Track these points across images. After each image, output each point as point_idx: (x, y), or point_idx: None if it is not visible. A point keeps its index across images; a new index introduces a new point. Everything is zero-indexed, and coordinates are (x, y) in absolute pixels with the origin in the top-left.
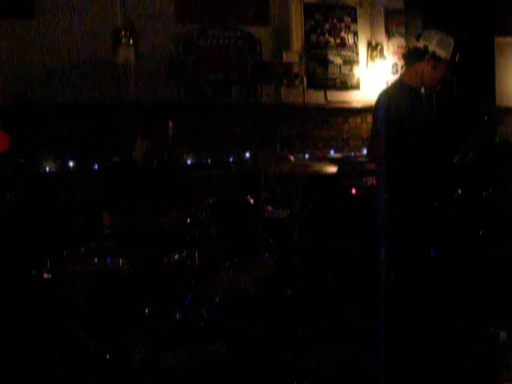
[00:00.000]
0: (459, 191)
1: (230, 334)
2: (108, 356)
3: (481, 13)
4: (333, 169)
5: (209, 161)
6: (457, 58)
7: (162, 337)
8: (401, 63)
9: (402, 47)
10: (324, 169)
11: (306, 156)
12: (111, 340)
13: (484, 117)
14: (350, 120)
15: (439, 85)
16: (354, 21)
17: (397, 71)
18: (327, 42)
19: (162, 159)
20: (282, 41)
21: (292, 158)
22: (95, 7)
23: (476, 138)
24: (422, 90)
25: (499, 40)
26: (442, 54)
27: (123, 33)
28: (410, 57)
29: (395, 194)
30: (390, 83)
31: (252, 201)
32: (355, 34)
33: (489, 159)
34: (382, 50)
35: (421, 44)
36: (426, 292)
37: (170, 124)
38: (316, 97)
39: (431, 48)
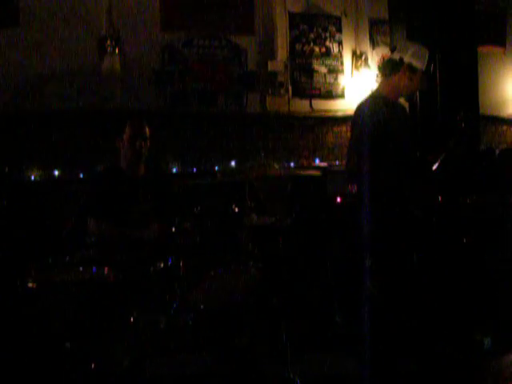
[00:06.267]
0: (440, 198)
1: (216, 343)
2: (93, 365)
3: (464, 22)
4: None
5: (194, 169)
6: (431, 68)
7: (147, 346)
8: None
9: (386, 56)
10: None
11: (291, 164)
12: (97, 349)
13: (461, 124)
14: (335, 129)
15: (415, 95)
16: (339, 30)
17: None
18: (312, 51)
19: (148, 167)
20: (267, 50)
21: (277, 166)
22: (80, 16)
23: (453, 144)
24: (401, 99)
25: (482, 49)
26: (418, 65)
27: (109, 41)
28: (386, 69)
29: (375, 204)
30: (367, 95)
31: (237, 209)
32: (340, 44)
33: (473, 167)
34: (366, 59)
35: (396, 56)
36: (412, 300)
37: (156, 133)
38: (301, 106)
39: (407, 59)
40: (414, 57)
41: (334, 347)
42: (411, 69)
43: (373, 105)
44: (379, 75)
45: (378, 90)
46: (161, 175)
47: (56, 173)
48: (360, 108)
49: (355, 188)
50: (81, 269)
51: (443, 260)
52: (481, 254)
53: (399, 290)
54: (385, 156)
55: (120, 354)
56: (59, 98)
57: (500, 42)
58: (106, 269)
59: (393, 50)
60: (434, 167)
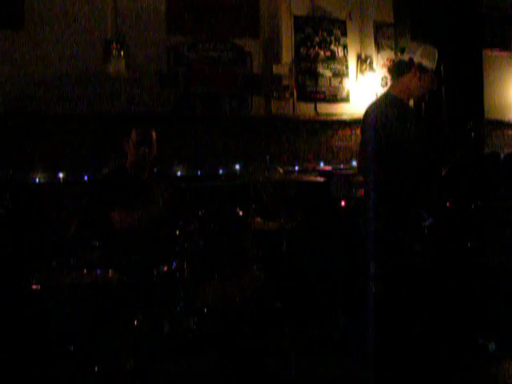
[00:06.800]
0: (447, 203)
1: (220, 346)
2: (97, 367)
3: (469, 26)
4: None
5: (198, 172)
6: (441, 69)
7: (151, 348)
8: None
9: (391, 60)
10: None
11: (296, 168)
12: (101, 352)
13: (471, 133)
14: (340, 132)
15: (426, 95)
16: (344, 34)
17: (386, 84)
18: (317, 55)
19: (153, 172)
20: (272, 53)
21: (281, 170)
22: (86, 18)
23: (462, 154)
24: (411, 102)
25: (487, 53)
26: (428, 64)
27: (114, 45)
28: (396, 70)
29: (384, 206)
30: (378, 96)
31: (241, 213)
32: (345, 47)
33: (477, 171)
34: (371, 63)
35: (406, 57)
36: (416, 303)
37: (160, 135)
38: (306, 109)
39: (417, 60)
40: (424, 57)
41: (338, 349)
42: (421, 69)
43: (383, 105)
44: (389, 77)
45: (388, 91)
46: (166, 177)
47: (60, 175)
48: (371, 108)
49: (368, 188)
50: (85, 271)
51: (448, 264)
52: (485, 259)
53: (404, 293)
54: (395, 157)
55: (124, 357)
56: (64, 100)
57: (505, 45)
58: (110, 271)
59: (402, 51)
60: (443, 172)
